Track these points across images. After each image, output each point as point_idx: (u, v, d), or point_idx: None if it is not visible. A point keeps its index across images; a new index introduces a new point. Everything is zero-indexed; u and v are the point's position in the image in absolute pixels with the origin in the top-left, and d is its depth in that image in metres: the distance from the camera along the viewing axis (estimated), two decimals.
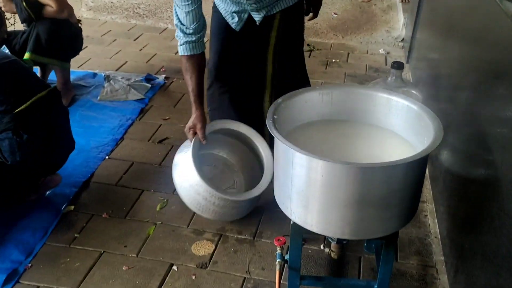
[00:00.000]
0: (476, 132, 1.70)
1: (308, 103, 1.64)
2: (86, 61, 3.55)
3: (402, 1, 4.35)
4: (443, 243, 1.89)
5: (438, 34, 2.71)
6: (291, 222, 1.52)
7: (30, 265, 1.83)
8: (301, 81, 2.19)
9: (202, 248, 1.91)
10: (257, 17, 1.93)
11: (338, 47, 3.86)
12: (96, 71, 3.35)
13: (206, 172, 2.01)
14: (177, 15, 1.86)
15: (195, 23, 1.85)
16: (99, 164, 2.39)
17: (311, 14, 2.25)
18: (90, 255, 1.87)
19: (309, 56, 3.68)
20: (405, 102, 1.56)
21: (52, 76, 3.04)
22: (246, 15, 1.94)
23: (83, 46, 3.69)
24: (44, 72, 3.09)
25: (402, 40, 3.89)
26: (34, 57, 2.71)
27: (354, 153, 1.56)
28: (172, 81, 3.26)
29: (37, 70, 3.14)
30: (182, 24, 1.86)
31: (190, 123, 2.00)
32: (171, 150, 2.52)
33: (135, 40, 3.97)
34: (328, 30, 4.14)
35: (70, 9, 2.82)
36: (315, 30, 4.13)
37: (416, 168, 1.35)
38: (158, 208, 2.11)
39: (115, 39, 3.97)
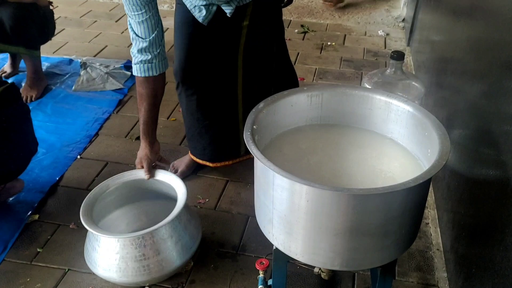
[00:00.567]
0: (486, 128, 1.49)
1: (295, 106, 1.42)
2: (62, 46, 3.30)
3: None
4: (446, 257, 1.70)
5: (443, 13, 2.45)
6: (274, 247, 1.32)
7: None
8: (285, 74, 1.97)
9: None
10: (227, 9, 1.66)
11: (334, 28, 3.61)
12: (72, 57, 3.10)
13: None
14: (131, 27, 1.59)
15: (153, 32, 1.59)
16: (69, 165, 2.18)
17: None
18: (52, 274, 1.67)
19: (303, 39, 3.43)
20: (406, 107, 1.34)
21: (24, 64, 2.80)
22: (214, 8, 1.66)
23: (60, 29, 3.47)
24: (14, 60, 2.85)
25: (403, 20, 3.63)
26: None
27: (346, 166, 1.34)
28: None
29: (6, 58, 2.90)
30: (138, 36, 1.59)
31: (137, 155, 1.77)
32: None
33: (117, 21, 3.71)
34: (324, 10, 3.88)
35: None
36: (309, 9, 3.86)
37: (418, 191, 1.14)
38: None
39: (96, 21, 3.71)
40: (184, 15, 1.75)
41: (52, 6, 2.76)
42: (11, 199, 1.96)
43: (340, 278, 1.66)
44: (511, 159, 1.23)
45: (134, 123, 2.49)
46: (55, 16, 2.83)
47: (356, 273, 1.68)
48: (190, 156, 2.10)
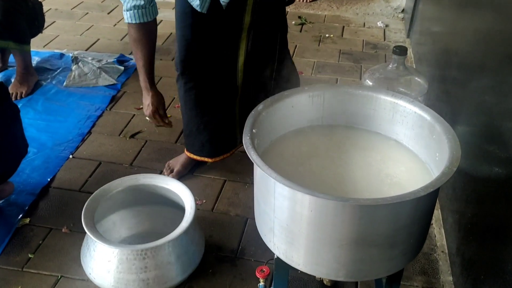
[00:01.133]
0: (493, 124, 1.43)
1: (296, 107, 1.35)
2: (53, 39, 3.21)
3: None
4: (452, 260, 1.65)
5: (446, 3, 2.38)
6: (275, 256, 1.26)
7: None
8: (286, 70, 1.90)
9: None
10: (222, 1, 1.60)
11: (332, 19, 3.53)
12: (63, 51, 3.01)
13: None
14: None
15: None
16: (61, 165, 2.11)
17: None
18: (45, 281, 1.61)
19: (300, 31, 3.35)
20: (413, 108, 1.28)
21: (13, 59, 2.71)
22: None
23: (51, 21, 3.38)
24: (3, 55, 2.76)
25: (402, 11, 3.55)
26: None
27: (350, 171, 1.28)
28: None
29: None
30: None
31: (150, 106, 1.73)
32: (144, 146, 2.24)
33: (109, 13, 3.61)
34: (322, 0, 3.79)
35: None
36: None
37: (428, 199, 1.08)
38: None
39: (87, 13, 3.61)
40: (183, 5, 1.68)
41: None
42: (0, 202, 1.89)
43: (343, 283, 1.61)
44: None
45: (128, 120, 2.42)
46: (45, 8, 2.74)
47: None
48: (186, 154, 2.04)
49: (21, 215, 1.85)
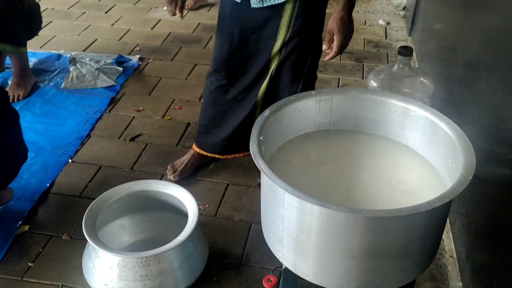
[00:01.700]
0: (503, 125, 1.40)
1: (302, 112, 1.32)
2: (50, 40, 3.15)
3: None
4: (461, 265, 1.62)
5: (450, 0, 2.34)
6: (283, 267, 1.23)
7: None
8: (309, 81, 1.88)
9: None
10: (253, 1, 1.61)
11: None
12: (61, 52, 2.96)
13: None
14: None
15: None
16: (60, 170, 2.07)
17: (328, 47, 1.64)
18: None
19: None
20: (424, 113, 1.24)
21: (10, 60, 2.66)
22: None
23: (48, 21, 3.32)
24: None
25: (404, 8, 3.51)
26: None
27: (360, 178, 1.25)
28: (148, 63, 2.89)
29: None
30: None
31: None
32: (144, 149, 2.19)
33: (106, 12, 3.56)
34: None
35: None
36: None
37: (442, 209, 1.05)
38: None
39: (84, 12, 3.56)
40: (226, 6, 1.71)
41: None
42: None
43: None
44: None
45: (128, 122, 2.37)
46: (41, 8, 2.69)
47: None
48: (195, 151, 2.01)
49: (20, 222, 1.81)
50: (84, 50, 3.03)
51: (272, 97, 1.81)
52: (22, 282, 1.61)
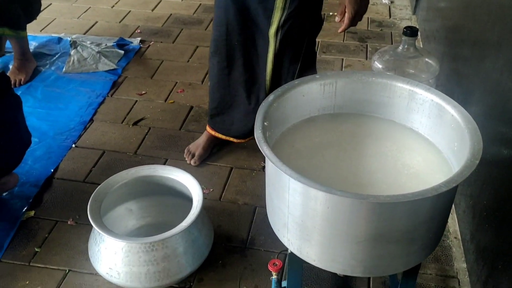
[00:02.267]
0: (507, 105, 1.38)
1: (307, 96, 1.30)
2: (50, 23, 3.12)
3: None
4: (466, 247, 1.62)
5: None
6: (289, 251, 1.23)
7: None
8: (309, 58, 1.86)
9: None
10: None
11: None
12: (61, 35, 2.93)
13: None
14: None
15: None
16: (64, 155, 2.07)
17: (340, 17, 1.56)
18: (52, 276, 1.59)
19: None
20: (429, 96, 1.22)
21: (10, 44, 2.64)
22: None
23: (47, 4, 3.29)
24: None
25: None
26: None
27: (365, 162, 1.24)
28: (149, 45, 2.87)
29: None
30: None
31: None
32: (147, 134, 2.19)
33: None
34: None
35: None
36: None
37: (449, 194, 1.04)
38: None
39: None
40: None
41: None
42: (4, 194, 1.86)
43: None
44: None
45: (131, 106, 2.36)
46: None
47: None
48: (210, 133, 2.00)
49: (25, 208, 1.82)
50: (84, 33, 3.00)
51: (277, 79, 1.80)
52: (29, 267, 1.62)
